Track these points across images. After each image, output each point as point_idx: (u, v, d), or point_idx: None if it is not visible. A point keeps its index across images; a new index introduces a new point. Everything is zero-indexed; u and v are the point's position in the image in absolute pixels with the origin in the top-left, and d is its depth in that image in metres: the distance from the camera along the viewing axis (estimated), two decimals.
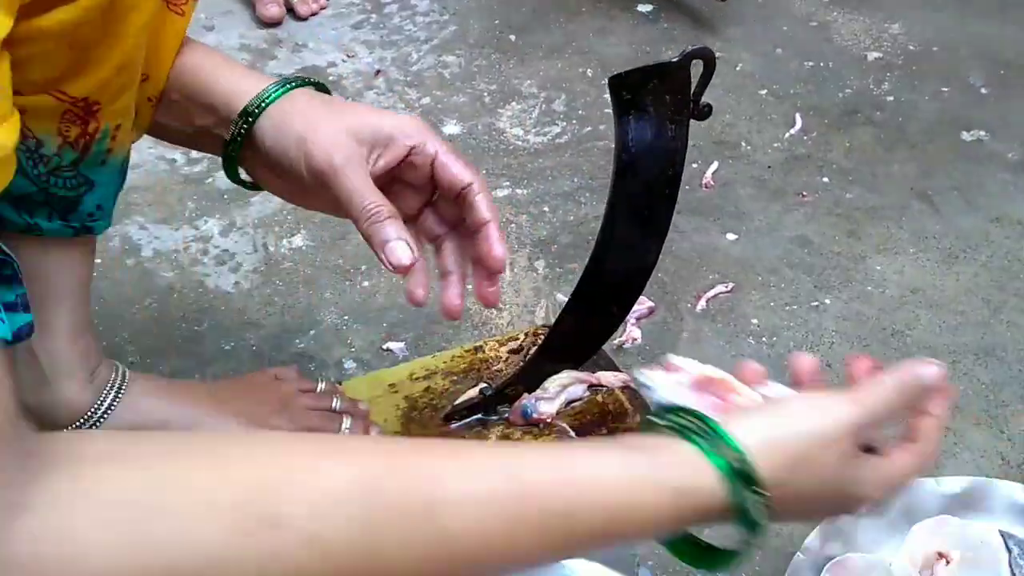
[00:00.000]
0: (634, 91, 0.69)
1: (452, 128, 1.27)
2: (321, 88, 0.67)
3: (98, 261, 1.03)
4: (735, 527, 0.48)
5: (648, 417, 0.50)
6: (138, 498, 0.36)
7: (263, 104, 0.62)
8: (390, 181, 0.65)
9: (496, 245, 0.64)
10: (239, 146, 0.64)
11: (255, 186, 0.70)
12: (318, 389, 0.80)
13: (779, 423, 0.49)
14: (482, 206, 0.65)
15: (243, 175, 0.69)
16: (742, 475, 0.46)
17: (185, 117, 0.66)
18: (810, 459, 0.48)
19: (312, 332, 0.97)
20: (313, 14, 1.49)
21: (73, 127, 0.56)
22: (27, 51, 0.51)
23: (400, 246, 0.60)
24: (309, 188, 0.63)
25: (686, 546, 0.51)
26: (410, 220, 0.67)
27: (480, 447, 0.44)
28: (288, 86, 0.64)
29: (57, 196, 0.61)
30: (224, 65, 0.65)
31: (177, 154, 1.21)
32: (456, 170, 0.64)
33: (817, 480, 0.49)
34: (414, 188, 0.67)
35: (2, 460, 0.34)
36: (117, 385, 0.69)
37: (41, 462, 0.35)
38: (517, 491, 0.43)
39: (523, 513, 0.42)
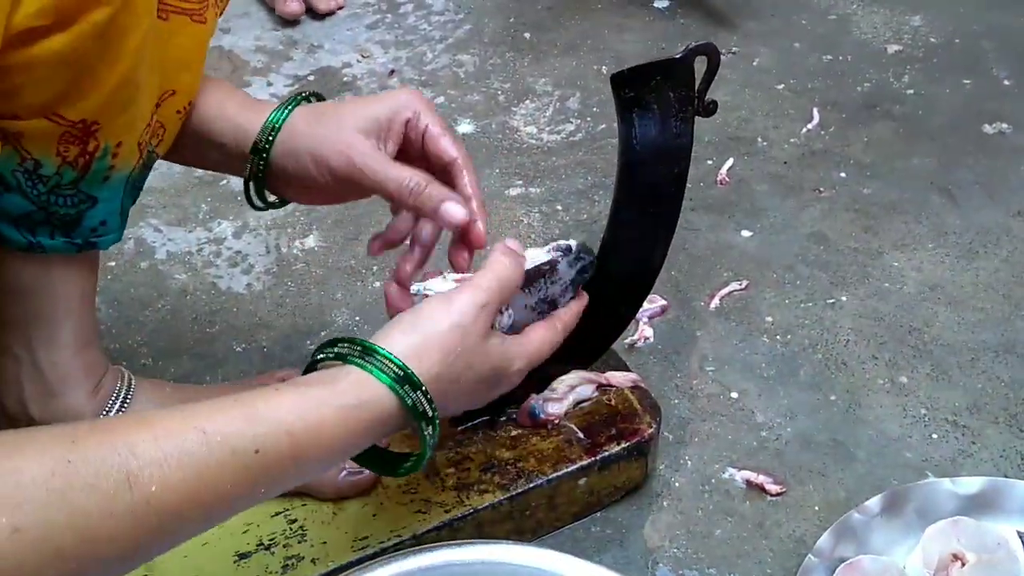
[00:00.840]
0: (637, 88, 0.69)
1: (466, 127, 1.26)
2: (318, 97, 0.70)
3: (112, 264, 1.04)
4: (416, 427, 0.56)
5: (315, 355, 0.57)
6: None
7: (270, 138, 0.66)
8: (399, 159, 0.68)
9: (476, 225, 0.67)
10: (262, 181, 0.68)
11: (284, 202, 0.72)
12: None
13: (420, 327, 0.56)
14: (464, 184, 0.67)
15: (270, 197, 0.72)
16: (405, 380, 0.54)
17: (197, 154, 0.70)
18: (455, 348, 0.56)
19: (323, 333, 0.98)
20: (331, 12, 1.49)
21: (72, 147, 0.56)
22: (21, 79, 0.51)
23: (452, 206, 0.64)
24: (340, 191, 0.67)
25: (374, 457, 0.60)
26: None
27: (168, 412, 0.47)
28: (286, 110, 0.67)
29: (58, 214, 0.61)
30: (224, 99, 0.68)
31: None
32: (443, 145, 0.67)
33: (467, 364, 0.57)
34: (413, 162, 0.68)
35: None
36: (123, 395, 0.69)
37: None
38: (206, 441, 0.46)
39: (217, 460, 0.46)
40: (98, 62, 0.53)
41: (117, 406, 0.69)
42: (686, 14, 1.47)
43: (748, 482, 0.83)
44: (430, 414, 0.55)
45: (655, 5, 1.49)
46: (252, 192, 0.70)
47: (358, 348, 0.55)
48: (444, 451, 0.77)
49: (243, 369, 0.93)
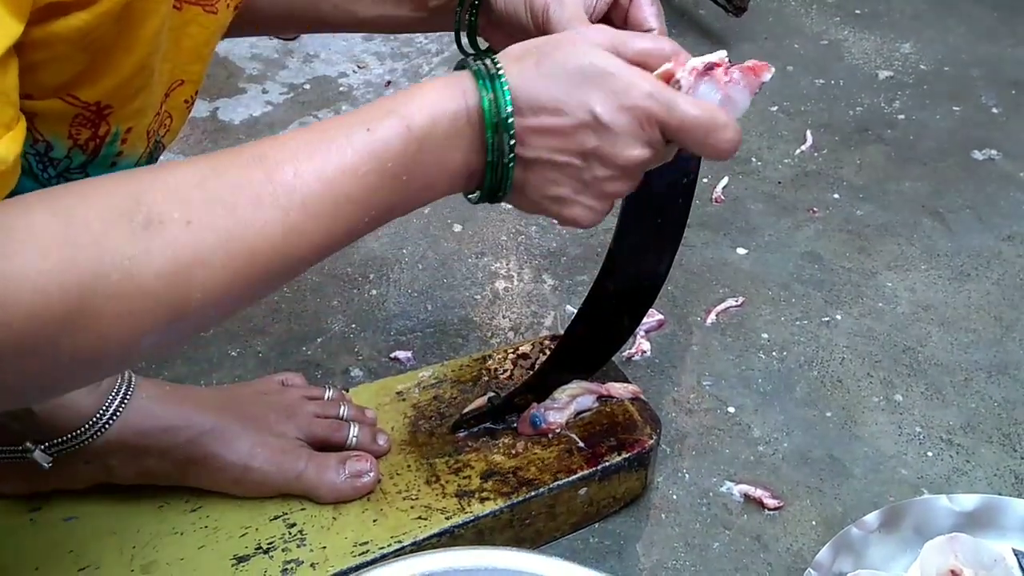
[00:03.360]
0: None
1: None
2: None
3: None
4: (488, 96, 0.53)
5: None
6: (60, 221, 0.43)
7: None
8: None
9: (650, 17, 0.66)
10: (476, 15, 0.69)
11: (486, 52, 0.71)
12: (325, 396, 0.79)
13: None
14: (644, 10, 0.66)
15: (478, 46, 0.72)
16: (483, 57, 0.54)
17: (421, 2, 0.71)
18: (567, 44, 0.54)
19: (319, 340, 0.97)
20: None
21: (84, 130, 0.56)
22: (40, 56, 0.50)
23: None
24: (531, 36, 0.65)
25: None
26: None
27: (293, 132, 0.52)
28: None
29: None
30: None
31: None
32: (644, 13, 0.65)
33: (564, 54, 0.54)
34: (615, 21, 0.67)
35: None
36: (123, 391, 0.68)
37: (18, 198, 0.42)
38: (323, 131, 0.51)
39: (337, 145, 0.50)
40: (115, 45, 0.53)
41: (117, 402, 0.68)
42: (681, 34, 1.48)
43: (746, 496, 0.83)
44: (492, 71, 0.53)
45: None
46: (465, 29, 0.70)
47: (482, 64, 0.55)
48: (444, 458, 0.77)
49: (237, 374, 0.92)
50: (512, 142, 0.54)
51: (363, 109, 0.52)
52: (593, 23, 0.63)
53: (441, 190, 0.55)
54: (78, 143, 0.57)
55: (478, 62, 0.54)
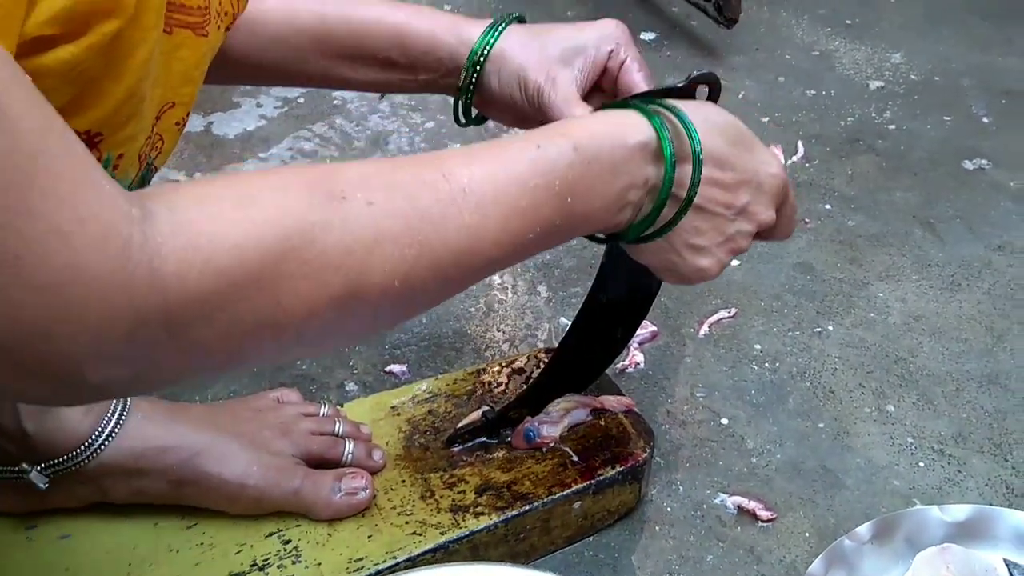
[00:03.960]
0: None
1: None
2: (520, 20, 0.73)
3: None
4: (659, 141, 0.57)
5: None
6: (228, 194, 0.43)
7: (486, 51, 0.70)
8: (592, 90, 0.71)
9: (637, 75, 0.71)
10: (472, 93, 0.72)
11: (480, 120, 0.76)
12: (320, 413, 0.79)
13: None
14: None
15: (472, 113, 0.76)
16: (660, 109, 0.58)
17: (410, 75, 0.73)
18: (707, 106, 0.61)
19: None
20: None
21: None
22: None
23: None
24: (527, 114, 0.70)
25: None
26: None
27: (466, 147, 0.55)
28: (498, 29, 0.70)
29: None
30: (439, 19, 0.72)
31: (180, 176, 1.21)
32: (635, 78, 0.70)
33: (719, 120, 0.60)
34: (604, 94, 0.72)
35: (115, 191, 0.39)
36: (118, 412, 0.69)
37: (143, 193, 0.42)
38: (496, 143, 0.53)
39: (510, 154, 0.52)
40: (105, 74, 0.53)
41: (113, 423, 0.68)
42: (672, 46, 1.49)
43: (739, 508, 0.83)
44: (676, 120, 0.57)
45: (642, 37, 1.52)
46: (460, 107, 0.74)
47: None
48: (439, 473, 0.77)
49: (232, 389, 0.93)
50: (699, 179, 0.57)
51: (535, 130, 0.55)
52: (583, 96, 0.69)
53: (598, 219, 0.57)
54: None
55: (646, 104, 0.58)
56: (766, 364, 0.98)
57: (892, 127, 1.33)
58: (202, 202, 0.42)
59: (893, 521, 0.77)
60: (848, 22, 1.55)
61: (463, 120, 0.75)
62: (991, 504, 0.83)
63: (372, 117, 1.33)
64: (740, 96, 1.39)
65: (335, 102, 1.37)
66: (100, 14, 0.48)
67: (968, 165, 1.26)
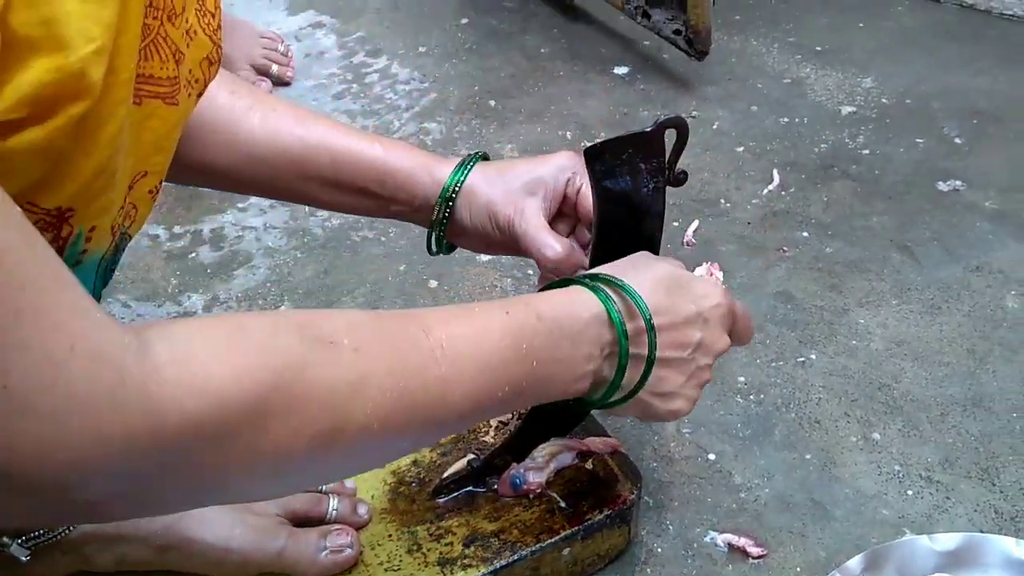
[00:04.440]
0: (609, 161, 0.70)
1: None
2: (485, 157, 0.79)
3: None
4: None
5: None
6: (222, 330, 0.46)
7: (457, 187, 0.76)
8: (556, 216, 0.78)
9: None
10: (445, 226, 0.77)
11: (449, 249, 0.81)
12: None
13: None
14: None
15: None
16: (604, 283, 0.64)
17: (383, 205, 0.78)
18: (640, 261, 0.68)
19: None
20: (286, 83, 1.51)
21: (45, 233, 0.56)
22: None
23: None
24: (497, 240, 0.76)
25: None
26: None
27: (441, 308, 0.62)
28: (467, 167, 0.76)
29: None
30: (414, 157, 0.77)
31: (160, 230, 1.21)
32: (590, 204, 0.74)
33: (646, 262, 0.67)
34: (567, 217, 0.78)
35: (107, 320, 0.40)
36: None
37: (137, 327, 0.44)
38: (473, 307, 0.59)
39: (486, 316, 0.57)
40: (74, 152, 0.53)
41: None
42: (646, 79, 1.51)
43: (730, 545, 0.83)
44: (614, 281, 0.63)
45: (615, 71, 1.53)
46: (433, 238, 0.79)
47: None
48: (425, 525, 0.77)
49: None
50: (655, 342, 0.63)
51: (504, 300, 0.62)
52: (549, 220, 0.75)
53: (561, 382, 0.61)
54: None
55: (587, 279, 0.64)
56: (751, 396, 0.98)
57: (866, 152, 1.34)
58: (198, 335, 0.44)
59: (883, 553, 0.77)
60: (818, 48, 1.57)
61: (435, 249, 0.80)
62: (981, 530, 0.83)
63: None
64: (714, 127, 1.40)
65: None
66: (67, 97, 0.48)
67: (943, 187, 1.27)
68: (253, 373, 0.44)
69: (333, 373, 0.47)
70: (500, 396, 0.56)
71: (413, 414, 0.51)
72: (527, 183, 0.75)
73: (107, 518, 0.45)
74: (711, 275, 0.75)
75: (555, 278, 0.76)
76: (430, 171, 0.76)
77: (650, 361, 0.63)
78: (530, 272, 1.14)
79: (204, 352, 0.43)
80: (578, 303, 0.62)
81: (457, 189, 0.75)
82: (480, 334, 0.56)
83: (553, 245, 0.73)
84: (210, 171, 0.75)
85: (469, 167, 0.76)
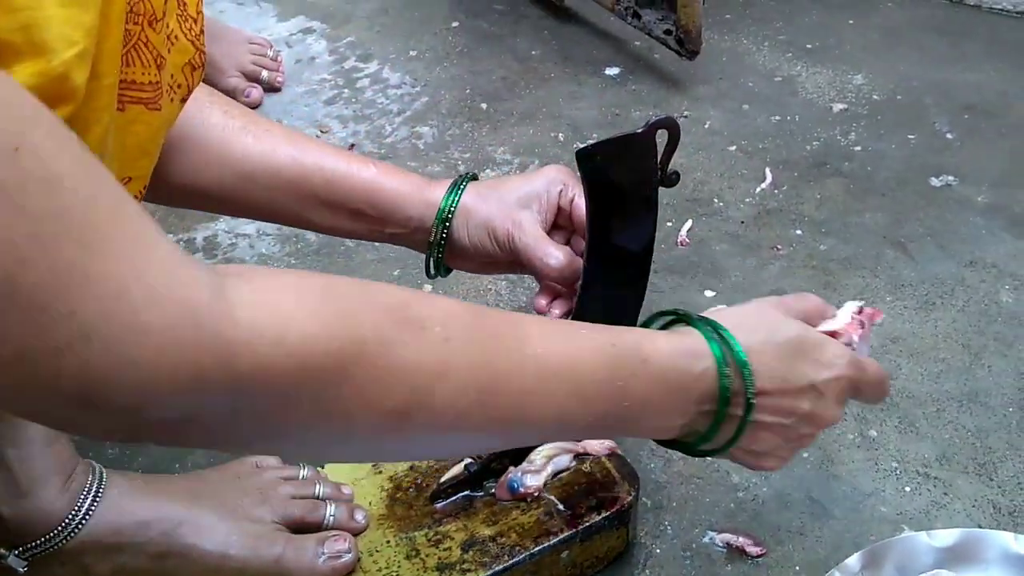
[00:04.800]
0: (601, 163, 0.70)
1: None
2: (474, 177, 0.79)
3: None
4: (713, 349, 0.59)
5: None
6: (315, 286, 0.45)
7: (452, 208, 0.76)
8: (552, 228, 0.78)
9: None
10: (443, 248, 0.77)
11: (449, 271, 0.81)
12: (300, 476, 0.79)
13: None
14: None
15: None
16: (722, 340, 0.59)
17: (379, 227, 0.77)
18: (769, 316, 0.62)
19: None
20: (276, 89, 1.50)
21: None
22: None
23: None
24: (497, 258, 0.76)
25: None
26: None
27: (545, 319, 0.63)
28: (460, 188, 0.76)
29: None
30: (406, 180, 0.77)
31: None
32: (584, 212, 0.74)
33: (770, 320, 0.62)
34: (563, 228, 0.79)
35: (182, 258, 0.40)
36: (95, 489, 0.68)
37: (221, 267, 0.44)
38: (576, 329, 0.56)
39: (582, 340, 0.55)
40: None
41: (89, 501, 0.67)
42: (637, 80, 1.51)
43: (728, 545, 0.83)
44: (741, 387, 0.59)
45: (606, 72, 1.53)
46: (431, 262, 0.78)
47: (697, 317, 0.61)
48: (424, 530, 0.76)
49: (212, 454, 0.92)
50: (752, 417, 0.60)
51: (616, 330, 0.58)
52: (548, 232, 0.76)
53: (648, 428, 0.60)
54: None
55: (710, 330, 0.59)
56: None
57: (858, 148, 1.34)
58: (285, 286, 0.44)
59: (882, 550, 0.77)
60: (808, 46, 1.57)
61: (433, 272, 0.79)
62: (979, 526, 0.83)
63: None
64: (706, 126, 1.40)
65: None
66: (51, 102, 0.48)
67: (935, 182, 1.27)
68: (337, 336, 0.43)
69: (417, 355, 0.46)
70: (582, 424, 0.55)
71: (489, 418, 0.50)
72: (521, 197, 0.75)
73: (184, 443, 0.44)
74: (858, 322, 0.68)
75: (560, 288, 0.77)
76: (422, 193, 0.76)
77: (742, 425, 0.60)
78: (525, 275, 1.14)
79: (287, 303, 0.42)
80: (689, 356, 0.58)
81: (453, 209, 0.75)
82: (577, 358, 0.54)
83: (555, 254, 0.73)
84: (203, 192, 0.75)
85: (462, 187, 0.76)
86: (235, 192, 0.75)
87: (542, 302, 0.78)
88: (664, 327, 0.63)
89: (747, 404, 0.59)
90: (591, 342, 0.55)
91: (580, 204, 0.75)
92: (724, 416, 0.59)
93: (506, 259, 0.76)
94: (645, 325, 0.65)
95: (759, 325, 0.61)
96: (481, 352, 0.50)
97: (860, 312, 0.68)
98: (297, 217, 0.77)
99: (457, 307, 0.52)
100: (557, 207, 0.77)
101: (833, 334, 0.65)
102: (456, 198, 0.76)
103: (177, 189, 0.72)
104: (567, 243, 0.79)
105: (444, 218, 0.76)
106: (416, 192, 0.76)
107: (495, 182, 0.78)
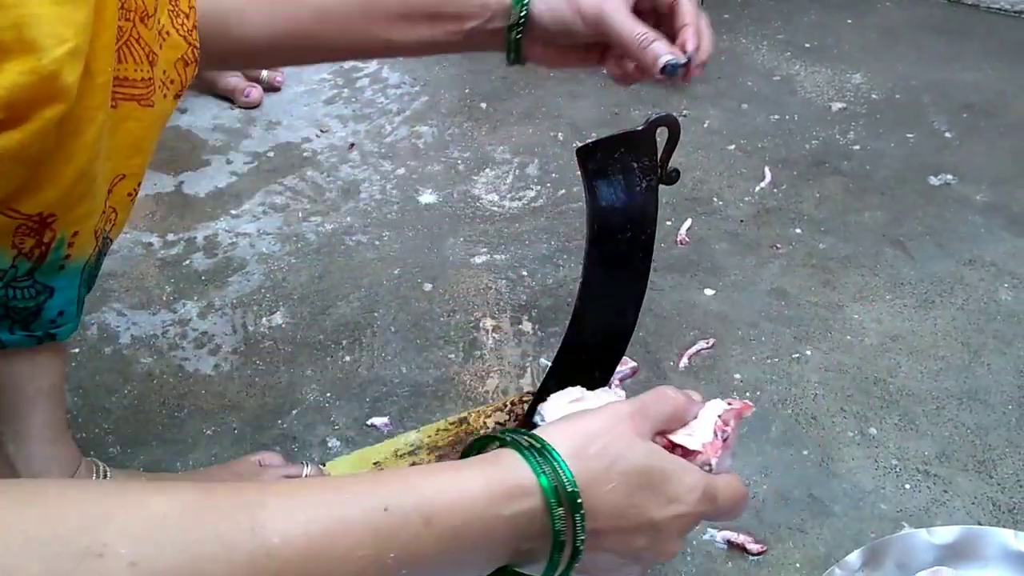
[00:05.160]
0: (602, 160, 0.71)
1: (428, 197, 1.28)
2: None
3: (76, 350, 1.03)
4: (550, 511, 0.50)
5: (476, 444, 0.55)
6: None
7: None
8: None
9: (689, 42, 0.74)
10: (523, 28, 0.74)
11: (524, 61, 0.77)
12: (303, 474, 0.79)
13: (573, 417, 0.54)
14: (684, 10, 0.75)
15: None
16: (557, 483, 0.50)
17: (457, 25, 0.75)
18: (600, 431, 0.53)
19: (294, 412, 0.97)
20: (276, 88, 1.51)
21: (27, 239, 0.56)
22: None
23: (670, 58, 0.72)
24: (580, 42, 0.74)
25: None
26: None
27: (307, 482, 0.47)
28: None
29: (16, 308, 0.60)
30: None
31: (153, 238, 1.21)
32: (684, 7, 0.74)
33: (616, 450, 0.52)
34: (645, 14, 0.75)
35: None
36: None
37: None
38: (337, 496, 0.45)
39: (343, 512, 0.45)
40: (54, 157, 0.53)
41: None
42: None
43: (729, 542, 0.83)
44: (575, 499, 0.50)
45: (605, 71, 1.53)
46: (510, 42, 0.75)
47: (527, 441, 0.52)
48: None
49: (214, 453, 0.92)
50: (580, 558, 0.51)
51: (398, 483, 0.48)
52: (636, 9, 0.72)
53: None
54: (23, 252, 0.56)
55: (538, 459, 0.50)
56: (747, 393, 0.98)
57: (857, 147, 1.35)
58: None
59: (882, 547, 0.77)
60: (807, 45, 1.58)
61: (512, 56, 0.77)
62: (979, 523, 0.83)
63: (343, 167, 1.34)
64: (705, 125, 1.40)
65: (305, 154, 1.37)
66: (41, 101, 0.48)
67: (934, 181, 1.28)
68: None
69: None
70: (375, 572, 0.46)
71: None
72: None
73: None
74: (721, 435, 0.60)
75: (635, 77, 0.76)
76: None
77: (570, 563, 0.52)
78: (524, 274, 1.14)
79: None
80: (505, 498, 0.49)
81: None
82: (330, 538, 0.44)
83: (639, 30, 0.71)
84: (279, 43, 0.74)
85: None
86: (310, 34, 0.74)
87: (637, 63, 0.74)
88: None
89: (575, 546, 0.51)
90: (357, 508, 0.45)
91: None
92: (556, 560, 0.51)
93: (590, 37, 0.73)
94: (466, 453, 0.55)
95: (602, 451, 0.52)
96: (183, 570, 0.41)
97: (725, 415, 0.61)
98: (375, 42, 0.75)
99: (164, 507, 0.42)
100: None
101: (690, 453, 0.58)
102: None
103: (251, 48, 0.72)
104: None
105: None
106: None
107: None
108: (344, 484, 0.46)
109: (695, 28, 0.75)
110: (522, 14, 0.74)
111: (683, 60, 0.72)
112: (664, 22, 0.76)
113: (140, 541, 0.40)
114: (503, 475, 0.49)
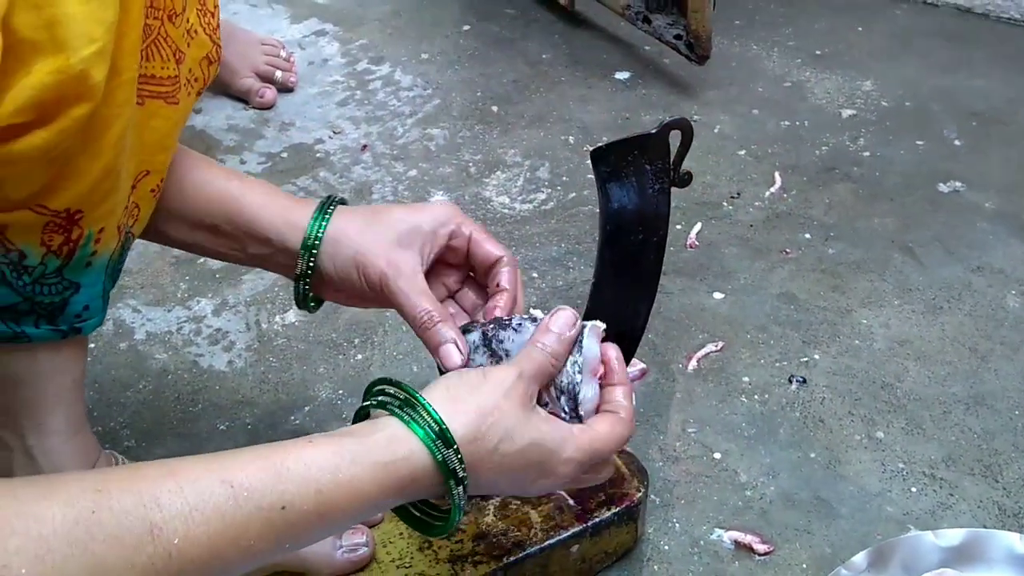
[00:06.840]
0: (615, 162, 0.71)
1: (439, 198, 1.29)
2: (343, 202, 0.72)
3: (92, 346, 1.04)
4: (447, 487, 0.56)
5: (363, 400, 0.59)
6: None
7: (319, 235, 0.69)
8: (434, 263, 0.71)
9: (500, 309, 0.70)
10: (310, 279, 0.70)
11: (319, 304, 0.74)
12: None
13: (458, 388, 0.59)
14: (503, 277, 0.71)
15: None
16: (440, 436, 0.55)
17: (239, 246, 0.71)
18: (492, 409, 0.57)
19: (307, 408, 0.98)
20: (289, 88, 1.52)
21: (56, 236, 0.57)
22: (4, 173, 0.51)
23: (450, 349, 0.66)
24: (369, 297, 0.69)
25: (405, 515, 0.61)
26: (451, 295, 0.75)
27: (193, 461, 0.49)
28: (327, 213, 0.69)
29: (43, 303, 0.61)
30: (272, 197, 0.71)
31: None
32: (488, 247, 0.71)
33: (505, 431, 0.58)
34: (453, 267, 0.73)
35: None
36: None
37: None
38: (233, 495, 0.47)
39: (243, 515, 0.47)
40: (80, 155, 0.54)
41: None
42: (647, 84, 1.52)
43: (736, 542, 0.84)
44: (460, 474, 0.56)
45: (616, 76, 1.54)
46: (301, 291, 0.71)
47: (400, 398, 0.57)
48: None
49: (228, 448, 0.93)
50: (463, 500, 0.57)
51: (283, 465, 0.50)
52: (424, 274, 0.68)
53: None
54: (51, 249, 0.57)
55: (442, 453, 0.55)
56: (755, 396, 0.99)
57: (867, 154, 1.35)
58: None
59: (888, 549, 0.78)
60: (818, 52, 1.58)
61: (300, 305, 0.73)
62: (985, 526, 0.84)
63: (355, 168, 1.35)
64: (716, 130, 1.41)
65: (318, 155, 1.38)
66: (69, 100, 0.49)
67: (943, 188, 1.28)
68: None
69: None
70: (269, 558, 0.50)
71: None
72: (402, 234, 0.68)
73: None
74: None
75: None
76: (285, 213, 0.69)
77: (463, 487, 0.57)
78: (535, 275, 1.15)
79: None
80: (391, 491, 0.54)
81: (320, 236, 0.69)
82: (229, 537, 0.47)
83: (426, 307, 0.66)
84: None
85: (329, 212, 0.69)
86: None
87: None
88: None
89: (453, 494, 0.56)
90: (254, 509, 0.48)
91: (481, 242, 0.71)
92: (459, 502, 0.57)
93: (379, 300, 0.69)
94: (363, 402, 0.60)
95: (490, 430, 0.57)
96: (91, 571, 0.41)
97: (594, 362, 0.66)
98: (156, 235, 0.72)
99: (59, 516, 0.42)
100: (445, 248, 0.71)
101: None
102: (323, 224, 0.69)
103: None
104: (461, 284, 0.74)
105: (310, 246, 0.69)
106: (277, 211, 0.69)
107: (374, 210, 0.71)
108: (238, 476, 0.48)
109: (512, 296, 0.71)
110: (309, 266, 0.69)
111: (463, 359, 0.65)
112: (478, 272, 0.73)
113: (38, 558, 0.40)
114: (399, 467, 0.54)
